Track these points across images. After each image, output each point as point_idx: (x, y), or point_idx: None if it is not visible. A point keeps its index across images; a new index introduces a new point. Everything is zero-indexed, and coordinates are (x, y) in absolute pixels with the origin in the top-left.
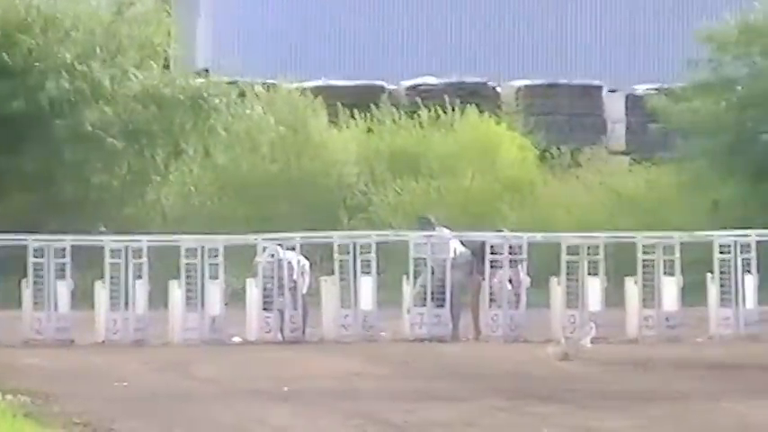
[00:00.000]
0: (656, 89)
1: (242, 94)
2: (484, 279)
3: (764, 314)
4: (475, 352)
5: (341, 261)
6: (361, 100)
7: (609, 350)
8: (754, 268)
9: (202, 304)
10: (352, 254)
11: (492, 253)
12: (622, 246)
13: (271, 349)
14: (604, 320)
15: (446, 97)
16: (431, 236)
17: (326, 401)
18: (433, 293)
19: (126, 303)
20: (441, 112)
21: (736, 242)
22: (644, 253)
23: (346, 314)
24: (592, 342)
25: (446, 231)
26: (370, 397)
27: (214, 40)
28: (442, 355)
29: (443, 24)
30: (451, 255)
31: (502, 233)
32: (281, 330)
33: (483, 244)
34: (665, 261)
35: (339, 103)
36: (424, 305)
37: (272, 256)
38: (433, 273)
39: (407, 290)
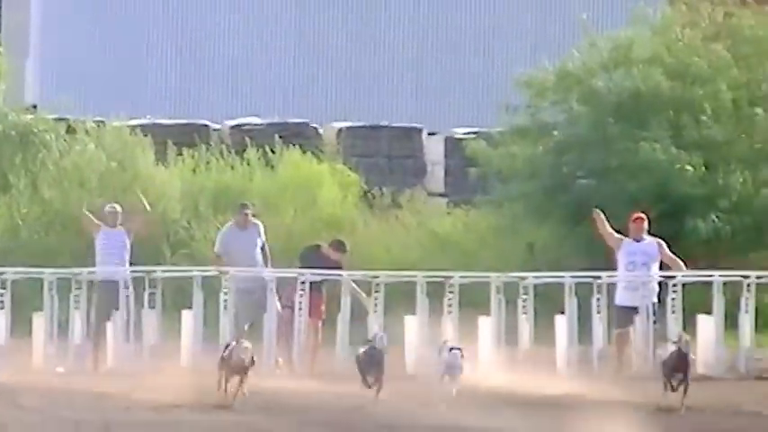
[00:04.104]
0: (475, 133)
1: (71, 131)
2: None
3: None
4: (297, 386)
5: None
6: (186, 138)
7: (426, 387)
8: (567, 309)
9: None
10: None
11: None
12: (440, 285)
13: (95, 380)
14: (421, 358)
15: (276, 137)
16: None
17: None
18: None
19: None
20: (265, 151)
21: (550, 283)
22: (461, 293)
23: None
24: None
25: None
26: (192, 429)
27: (42, 79)
28: (265, 388)
29: (266, 65)
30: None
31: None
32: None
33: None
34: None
35: (167, 141)
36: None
37: None
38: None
39: (225, 323)
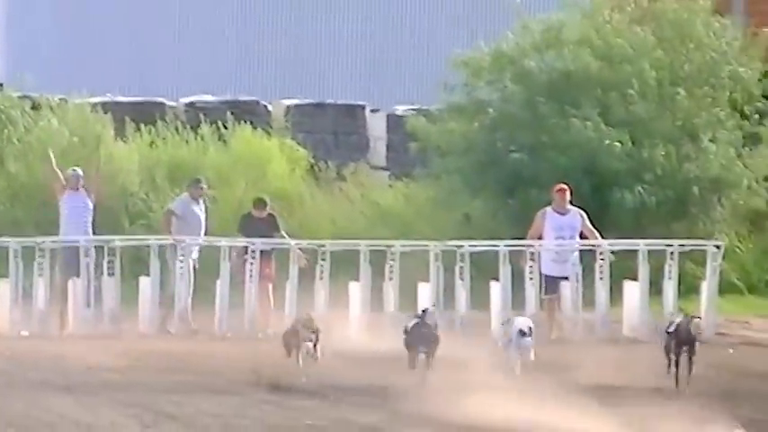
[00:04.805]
0: (415, 110)
1: (35, 107)
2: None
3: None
4: (249, 348)
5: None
6: (143, 115)
7: (368, 350)
8: (501, 276)
9: None
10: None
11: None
12: (381, 253)
13: (56, 343)
14: (364, 323)
15: (228, 113)
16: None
17: (107, 392)
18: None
19: None
20: (218, 127)
21: (486, 251)
22: (401, 260)
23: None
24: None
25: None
26: (146, 389)
27: (8, 59)
28: (213, 352)
29: (217, 47)
30: None
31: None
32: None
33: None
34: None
35: (125, 118)
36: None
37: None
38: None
39: (181, 289)
